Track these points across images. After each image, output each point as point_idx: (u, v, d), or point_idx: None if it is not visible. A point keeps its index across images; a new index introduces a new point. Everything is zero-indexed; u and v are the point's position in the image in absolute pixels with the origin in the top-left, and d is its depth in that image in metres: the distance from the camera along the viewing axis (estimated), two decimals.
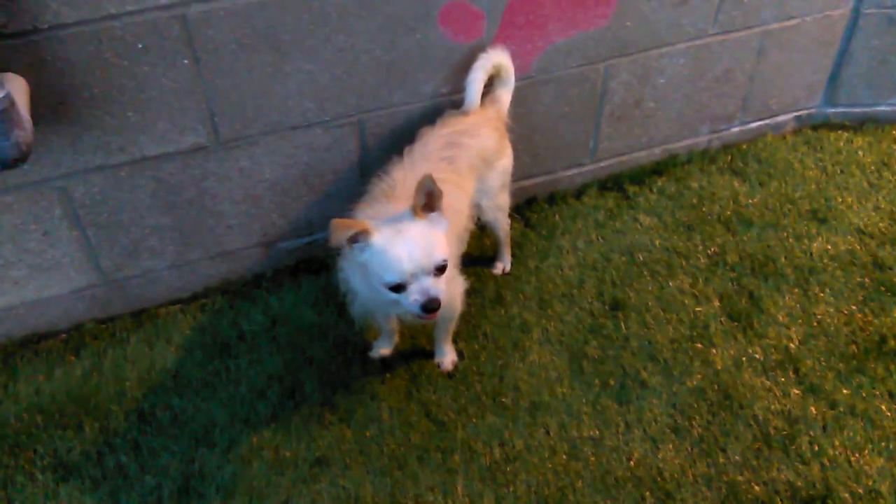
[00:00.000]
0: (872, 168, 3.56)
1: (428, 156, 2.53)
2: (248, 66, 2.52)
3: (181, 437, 2.58)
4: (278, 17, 2.46)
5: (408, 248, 2.08)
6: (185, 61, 2.44)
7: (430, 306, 2.10)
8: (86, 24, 2.26)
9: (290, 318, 2.95)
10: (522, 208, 3.38)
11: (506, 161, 2.82)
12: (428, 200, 2.13)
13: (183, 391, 2.72)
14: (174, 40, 2.39)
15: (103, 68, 2.36)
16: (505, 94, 2.85)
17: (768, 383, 2.69)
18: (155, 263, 2.90)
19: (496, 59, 2.76)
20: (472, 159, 2.61)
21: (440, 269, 2.13)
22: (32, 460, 2.53)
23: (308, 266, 3.14)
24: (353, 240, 2.11)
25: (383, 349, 2.81)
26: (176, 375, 2.78)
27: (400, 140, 2.75)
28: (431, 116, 2.76)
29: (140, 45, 2.36)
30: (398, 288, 2.11)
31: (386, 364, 2.80)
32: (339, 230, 2.07)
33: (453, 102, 2.85)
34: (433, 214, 2.16)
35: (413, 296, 2.10)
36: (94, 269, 2.81)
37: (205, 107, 2.57)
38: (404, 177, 2.42)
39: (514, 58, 2.83)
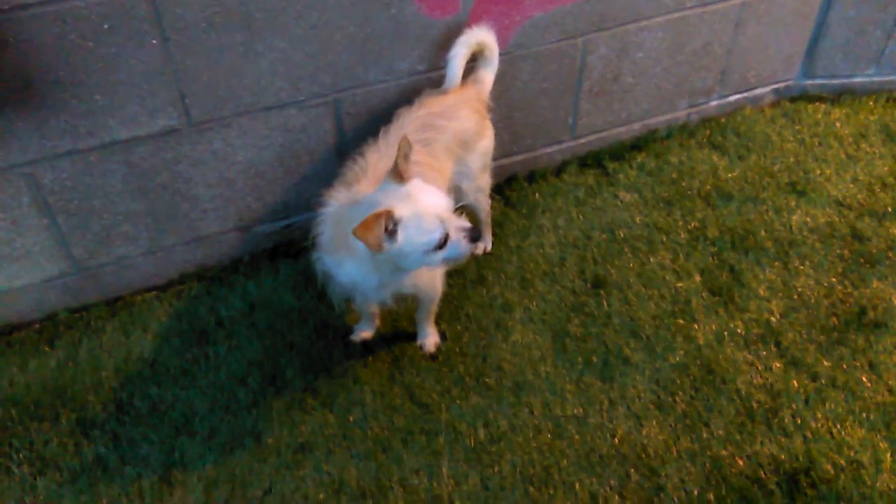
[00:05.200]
0: (850, 140, 3.56)
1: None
2: (218, 45, 2.46)
3: (161, 427, 2.55)
4: None
5: (433, 202, 2.09)
6: (154, 41, 2.38)
7: (475, 235, 2.15)
8: (49, 4, 2.19)
9: (269, 303, 2.91)
10: (502, 187, 3.35)
11: (486, 143, 2.77)
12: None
13: (161, 380, 2.68)
14: (142, 20, 2.32)
15: (69, 50, 2.29)
16: (488, 75, 2.79)
17: (750, 357, 2.70)
18: (129, 250, 2.84)
19: (480, 36, 2.69)
20: (449, 142, 2.56)
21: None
22: (8, 454, 2.48)
23: (286, 250, 3.09)
24: (388, 230, 2.01)
25: (364, 332, 2.78)
26: (153, 364, 2.73)
27: (377, 120, 2.70)
28: (409, 95, 2.71)
29: (106, 26, 2.29)
30: (442, 242, 2.09)
31: (368, 347, 2.77)
32: (371, 230, 1.95)
33: (431, 80, 2.80)
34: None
35: (457, 235, 2.11)
36: (65, 258, 2.75)
37: (175, 88, 2.50)
38: (377, 159, 2.37)
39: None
